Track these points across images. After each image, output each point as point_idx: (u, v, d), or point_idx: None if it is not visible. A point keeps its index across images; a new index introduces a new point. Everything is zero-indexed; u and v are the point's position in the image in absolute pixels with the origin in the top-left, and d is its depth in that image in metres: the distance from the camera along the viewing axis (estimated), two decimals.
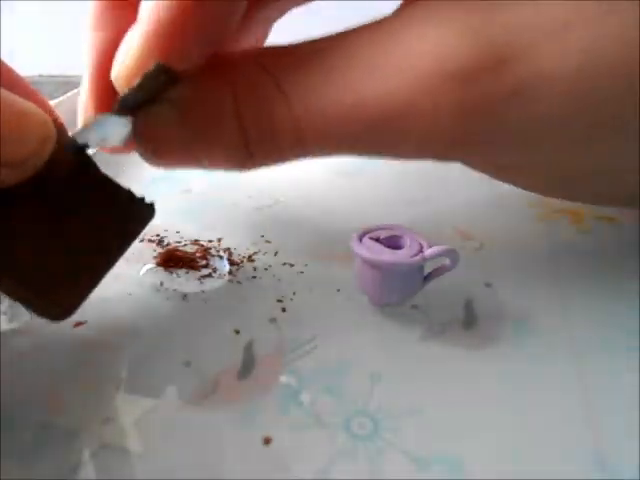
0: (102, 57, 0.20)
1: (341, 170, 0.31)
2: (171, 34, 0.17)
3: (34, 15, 0.47)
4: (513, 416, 0.17)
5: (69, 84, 0.33)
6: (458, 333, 0.20)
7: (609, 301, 0.21)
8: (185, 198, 0.29)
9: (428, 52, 0.17)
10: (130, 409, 0.18)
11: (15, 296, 0.17)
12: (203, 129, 0.19)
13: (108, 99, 0.20)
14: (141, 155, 0.20)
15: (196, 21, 0.17)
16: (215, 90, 0.18)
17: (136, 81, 0.17)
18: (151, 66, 0.17)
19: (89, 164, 0.19)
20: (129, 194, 0.20)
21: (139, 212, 0.20)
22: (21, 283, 0.16)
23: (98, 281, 0.18)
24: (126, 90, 0.18)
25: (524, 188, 0.22)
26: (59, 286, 0.17)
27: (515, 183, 0.21)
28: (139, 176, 0.28)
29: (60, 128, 0.18)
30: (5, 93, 0.15)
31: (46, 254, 0.17)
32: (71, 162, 0.18)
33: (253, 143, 0.18)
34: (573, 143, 0.18)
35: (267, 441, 0.17)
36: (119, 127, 0.19)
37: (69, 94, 0.31)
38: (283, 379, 0.18)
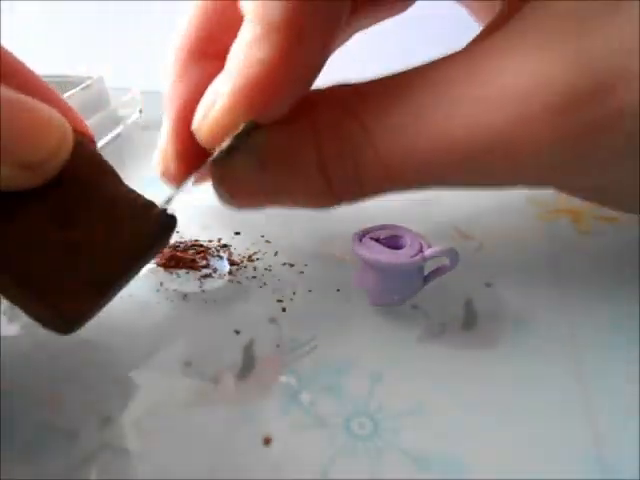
0: (184, 109, 0.20)
1: None
2: (263, 90, 0.17)
3: (34, 15, 0.47)
4: (513, 416, 0.17)
5: (69, 84, 0.33)
6: (458, 333, 0.20)
7: (609, 301, 0.21)
8: (185, 198, 0.29)
9: (523, 83, 0.16)
10: (130, 409, 0.18)
11: (17, 303, 0.16)
12: (285, 175, 0.18)
13: (189, 151, 0.20)
14: (220, 198, 0.20)
15: (289, 74, 0.17)
16: (297, 136, 0.18)
17: (227, 141, 0.17)
18: (242, 124, 0.17)
19: (110, 171, 0.18)
20: (149, 205, 0.19)
21: (158, 224, 0.19)
22: (24, 289, 0.16)
23: (109, 294, 0.17)
24: (220, 148, 0.18)
25: (611, 207, 0.22)
26: (66, 296, 0.16)
27: (603, 203, 0.21)
28: (139, 176, 0.28)
29: (81, 133, 0.18)
30: (23, 96, 0.15)
31: (55, 262, 0.16)
32: (91, 167, 0.18)
33: (338, 188, 0.18)
34: None
35: (267, 441, 0.17)
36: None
37: (68, 94, 0.31)
38: (283, 379, 0.18)
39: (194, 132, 0.19)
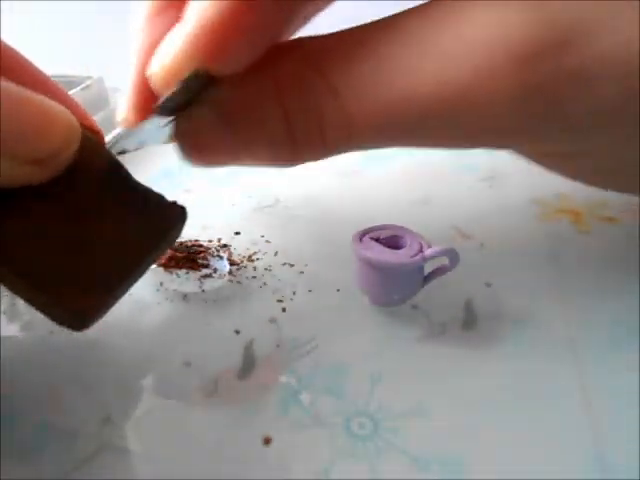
0: (146, 59, 0.19)
1: (341, 170, 0.31)
2: (215, 38, 0.16)
3: (34, 15, 0.47)
4: (513, 416, 0.17)
5: (69, 84, 0.33)
6: (458, 333, 0.20)
7: (609, 301, 0.21)
8: (185, 198, 0.29)
9: (488, 34, 0.16)
10: (130, 409, 0.18)
11: (26, 298, 0.16)
12: (246, 130, 0.18)
13: (150, 102, 0.19)
14: (181, 154, 0.19)
15: (245, 25, 0.17)
16: (258, 90, 0.18)
17: (175, 86, 0.17)
18: (189, 71, 0.17)
19: (119, 166, 0.18)
20: (159, 198, 0.19)
21: (169, 217, 0.19)
22: (33, 285, 0.16)
23: (121, 289, 0.17)
24: (165, 95, 0.17)
25: (570, 177, 0.21)
26: (78, 293, 0.16)
27: (562, 171, 0.21)
28: (138, 176, 0.28)
29: (90, 129, 0.18)
30: (29, 92, 0.15)
31: (64, 257, 0.16)
32: (100, 163, 0.18)
33: (300, 141, 0.18)
34: (628, 132, 0.18)
35: (267, 441, 0.17)
36: (158, 130, 0.18)
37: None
38: (283, 379, 0.18)
39: (148, 79, 0.18)
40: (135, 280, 0.18)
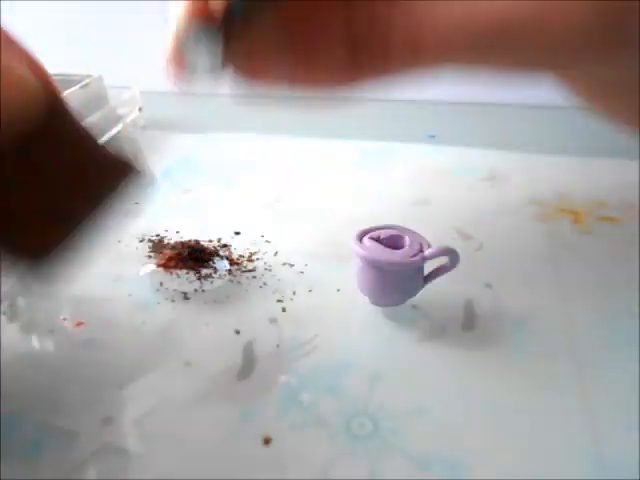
0: None
1: (341, 170, 0.31)
2: None
3: (34, 15, 0.47)
4: (513, 416, 0.17)
5: (69, 83, 0.33)
6: (458, 333, 0.20)
7: (609, 301, 0.21)
8: (185, 198, 0.29)
9: None
10: (130, 409, 0.18)
11: None
12: (308, 47, 0.18)
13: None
14: (235, 76, 0.19)
15: None
16: (327, 8, 0.18)
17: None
18: None
19: (75, 123, 0.19)
20: (105, 150, 0.19)
21: (117, 169, 0.19)
22: None
23: (73, 229, 0.18)
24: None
25: (612, 110, 0.21)
26: (30, 232, 0.17)
27: (607, 101, 0.21)
28: None
29: (43, 81, 0.18)
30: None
31: (18, 202, 0.17)
32: (56, 117, 0.18)
33: (364, 61, 0.18)
34: None
35: (267, 441, 0.17)
36: (212, 47, 0.18)
37: (67, 92, 0.31)
38: (283, 379, 0.18)
39: None
40: (87, 224, 0.18)
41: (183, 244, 0.24)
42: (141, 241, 0.25)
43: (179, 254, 0.23)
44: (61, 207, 0.18)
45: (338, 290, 0.22)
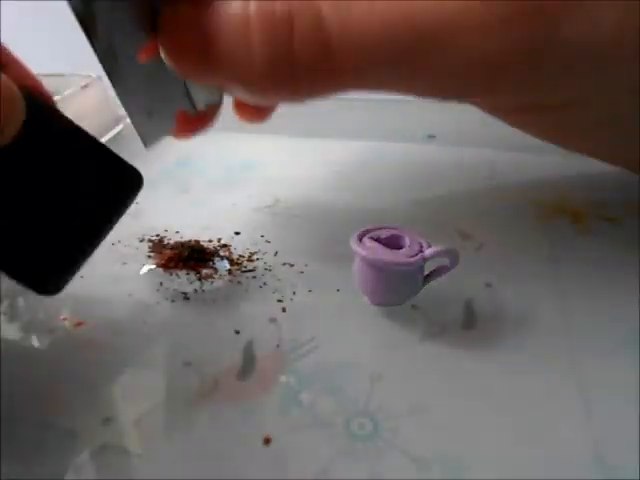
0: None
1: (341, 170, 0.31)
2: None
3: (34, 15, 0.47)
4: (513, 416, 0.17)
5: (69, 83, 0.33)
6: (458, 333, 0.20)
7: (609, 301, 0.21)
8: (185, 198, 0.29)
9: None
10: (130, 409, 0.18)
11: None
12: (214, 19, 0.17)
13: None
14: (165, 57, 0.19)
15: None
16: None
17: None
18: None
19: (69, 128, 0.18)
20: (119, 162, 0.18)
21: (128, 181, 0.18)
22: None
23: (81, 252, 0.17)
24: None
25: (545, 134, 0.21)
26: (37, 254, 0.16)
27: (539, 127, 0.21)
28: None
29: (33, 90, 0.17)
30: None
31: (22, 221, 0.16)
32: (47, 126, 0.17)
33: (268, 69, 0.17)
34: (625, 73, 0.17)
35: (267, 441, 0.17)
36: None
37: (67, 93, 0.31)
38: (283, 379, 0.18)
39: None
40: (97, 242, 0.18)
41: (183, 244, 0.24)
42: (141, 241, 0.25)
43: (179, 254, 0.23)
44: (67, 226, 0.17)
45: (338, 290, 0.22)
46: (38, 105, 0.17)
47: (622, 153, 0.20)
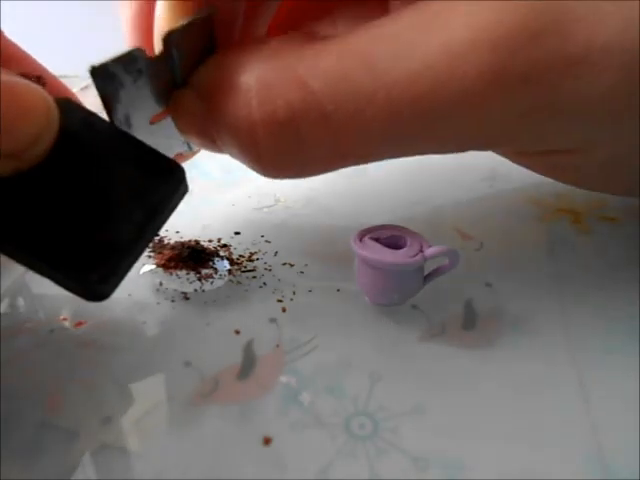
0: (136, 22, 0.20)
1: (341, 171, 0.31)
2: None
3: (34, 15, 0.47)
4: (513, 416, 0.17)
5: (69, 83, 0.33)
6: (458, 333, 0.20)
7: (609, 301, 0.21)
8: (185, 198, 0.29)
9: (476, 22, 0.16)
10: (130, 409, 0.18)
11: (44, 275, 0.16)
12: (221, 117, 0.18)
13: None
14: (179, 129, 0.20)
15: None
16: (237, 80, 0.18)
17: (185, 20, 0.17)
18: (199, 8, 0.17)
19: (107, 131, 0.18)
20: (162, 159, 0.18)
21: (172, 179, 0.18)
22: (43, 260, 0.16)
23: (130, 253, 0.17)
24: (175, 26, 0.17)
25: (558, 178, 0.21)
26: (86, 261, 0.16)
27: (553, 172, 0.21)
28: None
29: (61, 100, 0.17)
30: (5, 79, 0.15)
31: (69, 228, 0.16)
32: (84, 133, 0.17)
33: (265, 146, 0.18)
34: (629, 125, 0.17)
35: (267, 441, 0.17)
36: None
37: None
38: (283, 379, 0.18)
39: (155, 29, 0.19)
40: (147, 240, 0.17)
41: (183, 244, 0.24)
42: None
43: (179, 254, 0.23)
44: (114, 227, 0.17)
45: (338, 290, 0.22)
46: (75, 112, 0.17)
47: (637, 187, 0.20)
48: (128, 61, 0.17)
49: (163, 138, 0.20)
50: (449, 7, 0.17)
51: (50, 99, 0.16)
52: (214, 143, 0.20)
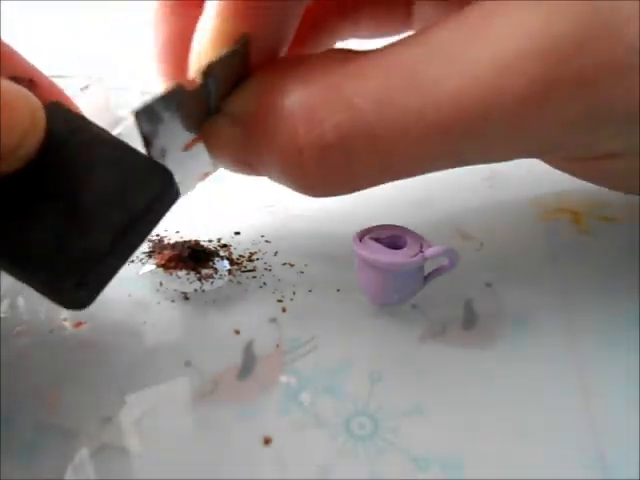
0: (169, 46, 0.20)
1: None
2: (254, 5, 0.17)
3: (34, 15, 0.47)
4: (513, 416, 0.17)
5: (69, 85, 0.33)
6: (458, 333, 0.20)
7: (609, 301, 0.21)
8: (185, 198, 0.29)
9: (520, 31, 0.15)
10: (130, 409, 0.18)
11: (21, 280, 0.16)
12: (261, 144, 0.18)
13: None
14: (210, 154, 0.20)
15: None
16: (277, 104, 0.17)
17: (224, 50, 0.17)
18: (238, 37, 0.17)
19: (95, 134, 0.18)
20: (145, 162, 0.17)
21: (158, 183, 0.17)
22: (19, 265, 0.16)
23: (113, 260, 0.17)
24: (213, 59, 0.17)
25: (603, 182, 0.21)
26: (66, 267, 0.16)
27: (598, 176, 0.21)
28: None
29: (50, 102, 0.17)
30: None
31: (48, 234, 0.16)
32: (71, 135, 0.17)
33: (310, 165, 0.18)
34: None
35: (267, 441, 0.17)
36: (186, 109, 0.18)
37: (67, 94, 0.31)
38: (283, 379, 0.18)
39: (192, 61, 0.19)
40: (131, 247, 0.17)
41: (183, 244, 0.24)
42: None
43: (179, 254, 0.23)
44: (94, 233, 0.16)
45: (338, 290, 0.22)
46: (64, 116, 0.17)
47: None
48: (169, 98, 0.17)
49: (193, 161, 0.20)
50: (493, 15, 0.16)
51: (36, 103, 0.16)
52: (250, 167, 0.20)
